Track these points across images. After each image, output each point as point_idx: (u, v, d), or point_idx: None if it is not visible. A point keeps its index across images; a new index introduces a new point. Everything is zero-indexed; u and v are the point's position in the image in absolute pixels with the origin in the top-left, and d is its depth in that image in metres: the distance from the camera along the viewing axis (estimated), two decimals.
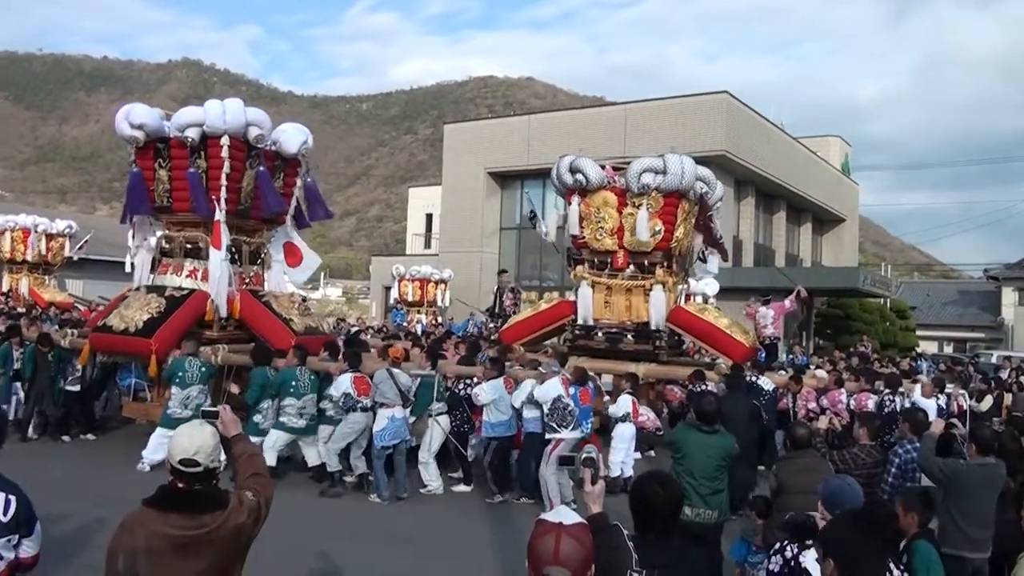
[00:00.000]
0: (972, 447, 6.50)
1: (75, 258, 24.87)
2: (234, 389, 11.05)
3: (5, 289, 24.44)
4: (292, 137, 13.05)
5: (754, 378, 12.69)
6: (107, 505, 5.92)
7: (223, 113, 12.10)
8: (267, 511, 3.61)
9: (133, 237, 13.47)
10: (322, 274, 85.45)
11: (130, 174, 12.86)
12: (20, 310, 20.47)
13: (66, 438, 12.92)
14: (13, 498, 3.64)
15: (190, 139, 12.04)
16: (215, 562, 3.34)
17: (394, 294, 30.70)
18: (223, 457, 3.55)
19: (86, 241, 24.58)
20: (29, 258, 24.38)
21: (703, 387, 12.73)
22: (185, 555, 3.27)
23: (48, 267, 25.12)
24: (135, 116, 12.34)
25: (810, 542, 3.94)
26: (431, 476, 10.74)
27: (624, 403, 11.46)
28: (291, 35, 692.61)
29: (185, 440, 3.40)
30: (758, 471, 11.79)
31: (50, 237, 24.74)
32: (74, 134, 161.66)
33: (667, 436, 6.51)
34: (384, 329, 23.70)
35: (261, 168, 12.56)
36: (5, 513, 3.58)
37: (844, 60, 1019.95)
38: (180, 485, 3.38)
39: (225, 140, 12.09)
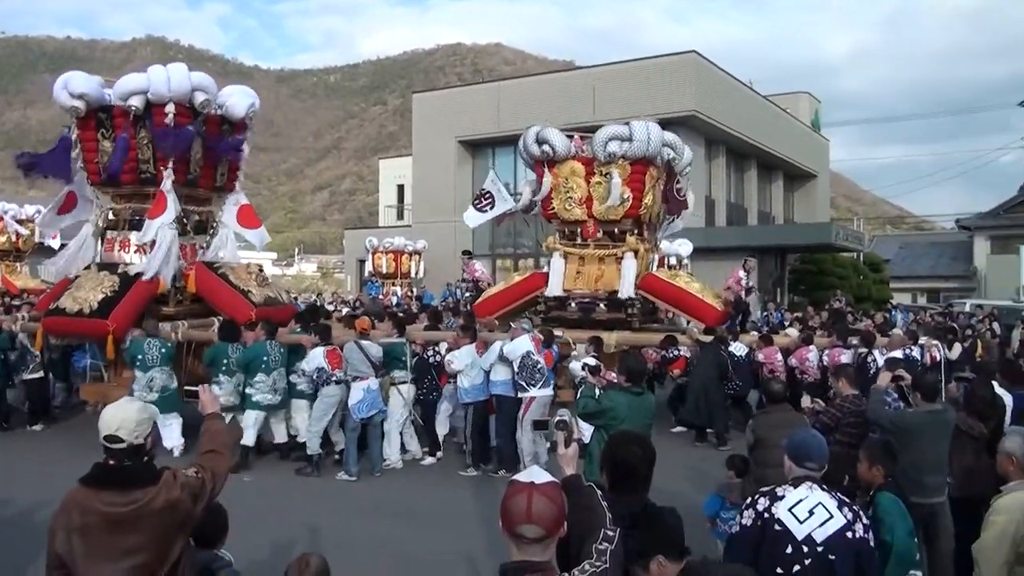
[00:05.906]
0: (917, 395, 6.62)
1: (46, 243, 24.51)
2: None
3: None
4: (239, 101, 12.59)
5: (725, 346, 12.75)
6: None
7: (168, 79, 11.66)
8: (218, 485, 3.61)
9: (58, 211, 12.88)
10: (296, 250, 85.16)
11: (60, 138, 12.30)
12: None
13: (37, 427, 12.55)
14: None
15: (134, 108, 11.60)
16: (151, 537, 3.32)
17: (368, 267, 30.65)
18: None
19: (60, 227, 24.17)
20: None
21: (676, 352, 12.85)
22: (118, 531, 3.27)
23: (19, 254, 24.85)
24: (75, 85, 11.78)
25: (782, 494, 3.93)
26: (392, 449, 10.67)
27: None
28: (259, 11, 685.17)
29: (108, 416, 3.38)
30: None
31: (19, 223, 24.38)
32: (40, 117, 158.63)
33: (587, 404, 6.29)
34: (359, 303, 23.61)
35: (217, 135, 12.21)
36: None
37: (814, 15, 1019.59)
38: (111, 462, 3.37)
39: (170, 107, 11.66)
